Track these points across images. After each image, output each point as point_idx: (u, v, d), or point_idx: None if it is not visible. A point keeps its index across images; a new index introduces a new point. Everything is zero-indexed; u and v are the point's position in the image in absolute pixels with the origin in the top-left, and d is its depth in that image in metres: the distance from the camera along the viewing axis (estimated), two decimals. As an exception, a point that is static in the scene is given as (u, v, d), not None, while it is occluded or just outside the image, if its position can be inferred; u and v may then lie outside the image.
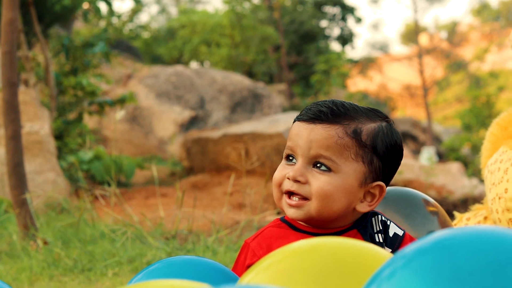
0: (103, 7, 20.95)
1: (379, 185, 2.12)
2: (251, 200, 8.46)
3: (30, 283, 5.06)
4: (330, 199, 2.06)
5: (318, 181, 2.06)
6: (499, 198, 3.24)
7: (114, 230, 6.33)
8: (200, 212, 7.62)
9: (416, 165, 13.05)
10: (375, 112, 2.16)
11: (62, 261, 5.50)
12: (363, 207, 2.12)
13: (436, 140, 27.25)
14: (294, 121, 2.17)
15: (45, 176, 9.05)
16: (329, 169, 2.06)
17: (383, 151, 2.10)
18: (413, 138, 25.60)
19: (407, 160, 14.14)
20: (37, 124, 9.40)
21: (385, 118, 2.16)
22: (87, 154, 11.17)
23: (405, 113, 34.39)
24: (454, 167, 13.37)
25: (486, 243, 1.29)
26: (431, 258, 1.28)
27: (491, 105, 25.31)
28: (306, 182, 2.07)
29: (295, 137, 2.11)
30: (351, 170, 2.07)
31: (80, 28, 21.53)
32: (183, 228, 6.74)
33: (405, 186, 8.26)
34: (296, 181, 2.08)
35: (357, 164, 2.07)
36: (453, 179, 12.62)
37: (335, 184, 2.06)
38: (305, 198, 2.08)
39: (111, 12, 17.84)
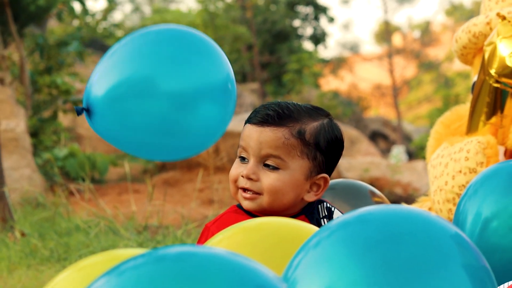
0: (77, 6, 21.08)
1: (323, 177, 2.40)
2: (220, 196, 8.66)
3: (9, 271, 5.30)
4: (279, 193, 2.34)
5: (269, 178, 2.34)
6: (440, 190, 3.53)
7: (87, 222, 6.56)
8: (170, 207, 7.85)
9: (383, 163, 13.29)
10: (317, 110, 2.43)
11: (39, 252, 5.74)
12: (310, 197, 2.40)
13: (407, 139, 27.55)
14: (246, 123, 2.44)
15: (21, 172, 9.22)
16: (277, 167, 2.34)
17: (325, 146, 2.38)
18: (384, 137, 25.86)
19: (374, 158, 14.43)
20: (13, 122, 9.57)
21: (327, 115, 2.44)
22: (61, 151, 11.28)
23: (378, 112, 34.54)
24: (420, 165, 13.65)
25: (393, 219, 1.59)
26: (350, 230, 1.57)
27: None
28: (257, 180, 2.35)
29: (247, 139, 2.39)
30: (298, 166, 2.35)
31: (54, 27, 21.57)
32: (153, 222, 6.98)
33: (371, 183, 8.39)
34: (249, 178, 2.36)
35: (303, 160, 2.35)
36: (418, 176, 12.88)
37: (283, 180, 2.34)
38: (257, 193, 2.36)
39: (85, 11, 18.00)
